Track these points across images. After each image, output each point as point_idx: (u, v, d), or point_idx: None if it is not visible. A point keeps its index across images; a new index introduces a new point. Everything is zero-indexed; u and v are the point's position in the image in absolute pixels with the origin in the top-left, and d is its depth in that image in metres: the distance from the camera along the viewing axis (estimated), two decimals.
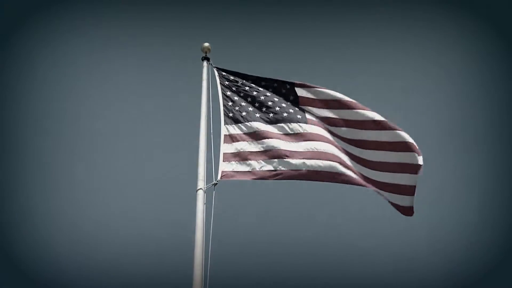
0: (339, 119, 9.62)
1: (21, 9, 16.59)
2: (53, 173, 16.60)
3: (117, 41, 18.24)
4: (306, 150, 9.24)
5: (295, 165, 9.06)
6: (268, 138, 9.31)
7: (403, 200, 9.37)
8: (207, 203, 8.43)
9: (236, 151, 9.16)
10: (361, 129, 9.50)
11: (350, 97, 9.78)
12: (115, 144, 18.02)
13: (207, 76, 10.08)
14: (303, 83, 9.98)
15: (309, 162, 9.10)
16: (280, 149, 9.18)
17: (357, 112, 9.58)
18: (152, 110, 18.57)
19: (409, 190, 9.32)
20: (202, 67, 10.25)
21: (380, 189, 9.34)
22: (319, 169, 9.08)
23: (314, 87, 9.88)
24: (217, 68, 10.29)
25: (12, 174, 15.85)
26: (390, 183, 9.33)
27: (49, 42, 17.17)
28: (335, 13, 18.60)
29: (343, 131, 9.59)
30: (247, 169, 9.00)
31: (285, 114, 9.67)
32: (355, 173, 9.29)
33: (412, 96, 18.94)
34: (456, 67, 18.01)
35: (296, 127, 9.53)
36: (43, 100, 17.10)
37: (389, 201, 9.43)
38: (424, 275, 15.79)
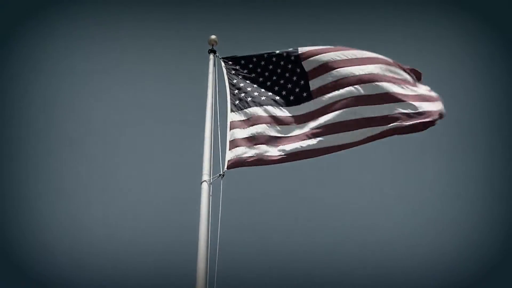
0: (347, 77, 9.46)
1: (21, 9, 16.60)
2: (55, 168, 16.57)
3: (122, 33, 18.24)
4: (310, 129, 9.19)
5: (300, 146, 9.03)
6: (274, 122, 9.32)
7: (433, 105, 9.23)
8: (213, 196, 8.41)
9: (241, 137, 9.15)
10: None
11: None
12: (120, 137, 17.98)
13: (213, 69, 10.04)
14: (307, 51, 9.82)
15: (311, 141, 9.04)
16: (284, 135, 9.19)
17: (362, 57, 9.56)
18: (157, 103, 18.51)
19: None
20: (208, 59, 10.21)
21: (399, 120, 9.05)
22: (321, 146, 9.01)
23: (318, 53, 9.74)
24: (223, 58, 10.27)
25: (12, 174, 15.83)
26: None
27: (50, 35, 17.18)
28: (342, 7, 18.68)
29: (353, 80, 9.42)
30: (253, 154, 8.98)
31: (291, 98, 9.63)
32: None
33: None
34: (456, 67, 18.07)
35: (302, 107, 9.47)
36: (45, 98, 17.09)
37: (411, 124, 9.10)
38: (423, 275, 15.79)
